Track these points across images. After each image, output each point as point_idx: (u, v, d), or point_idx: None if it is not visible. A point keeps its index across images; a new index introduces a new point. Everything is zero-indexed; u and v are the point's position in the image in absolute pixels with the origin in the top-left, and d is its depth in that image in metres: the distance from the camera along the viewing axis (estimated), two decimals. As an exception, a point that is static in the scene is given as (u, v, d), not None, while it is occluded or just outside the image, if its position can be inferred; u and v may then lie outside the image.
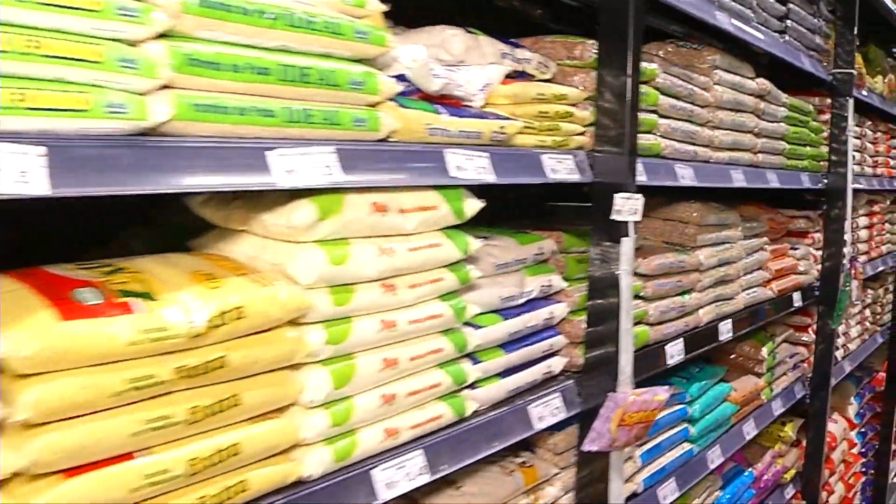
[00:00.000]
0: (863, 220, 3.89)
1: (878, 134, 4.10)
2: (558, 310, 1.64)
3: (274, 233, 1.15)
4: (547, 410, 1.56)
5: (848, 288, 3.05)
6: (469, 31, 1.47)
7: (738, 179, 2.31)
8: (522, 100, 1.50)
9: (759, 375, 2.78)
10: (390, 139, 1.23)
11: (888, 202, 4.29)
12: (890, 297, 4.49)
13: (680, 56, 2.22)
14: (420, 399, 1.31)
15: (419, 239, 1.28)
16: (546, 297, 1.65)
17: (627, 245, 1.56)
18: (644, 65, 1.88)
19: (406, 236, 1.26)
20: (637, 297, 1.94)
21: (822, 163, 3.15)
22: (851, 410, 4.20)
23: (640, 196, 1.58)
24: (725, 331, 2.37)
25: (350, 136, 1.16)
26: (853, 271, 3.05)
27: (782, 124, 2.69)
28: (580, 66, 1.67)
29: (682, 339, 2.10)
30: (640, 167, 1.75)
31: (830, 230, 3.13)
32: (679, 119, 2.05)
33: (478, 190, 1.36)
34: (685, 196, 2.36)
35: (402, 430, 1.28)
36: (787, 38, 2.69)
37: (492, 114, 1.43)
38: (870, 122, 3.92)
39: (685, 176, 2.01)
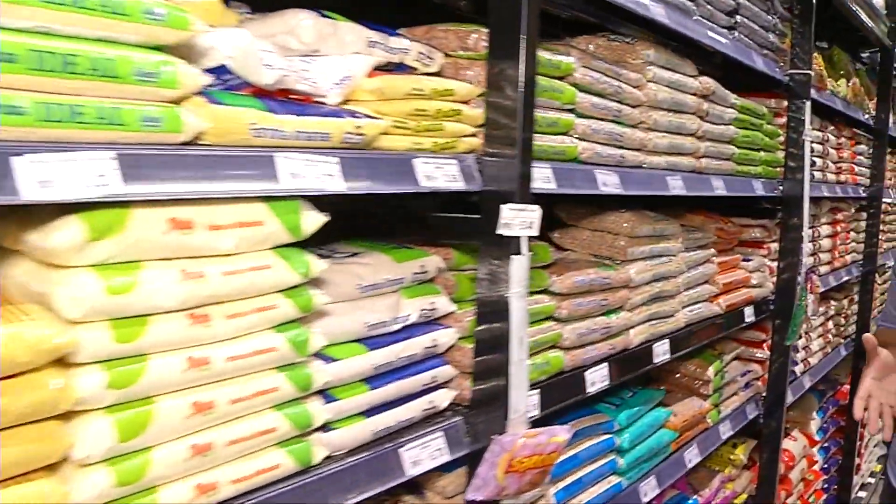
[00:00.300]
0: (825, 229, 3.71)
1: (843, 139, 3.93)
2: (444, 336, 1.43)
3: (40, 255, 0.94)
4: (425, 453, 1.35)
5: (803, 302, 2.85)
6: (325, 16, 1.26)
7: (677, 187, 2.11)
8: (392, 95, 1.29)
9: (704, 397, 2.58)
10: (200, 142, 1.02)
11: (853, 210, 4.11)
12: (855, 307, 4.31)
13: (611, 50, 2.02)
14: (247, 447, 1.10)
15: (241, 260, 1.07)
16: (430, 322, 1.44)
17: (519, 264, 1.35)
18: (560, 58, 1.67)
19: (223, 258, 1.05)
20: (550, 318, 1.73)
21: (778, 169, 2.96)
22: (814, 426, 4.02)
23: (535, 208, 1.37)
24: (662, 352, 2.17)
25: (139, 139, 0.94)
26: (809, 284, 2.86)
27: (731, 127, 2.49)
28: (475, 57, 1.46)
29: (606, 364, 1.90)
30: (546, 172, 1.55)
31: (787, 240, 2.94)
32: (603, 119, 1.84)
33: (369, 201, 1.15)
34: (638, 205, 2.16)
35: (222, 486, 1.07)
36: (736, 35, 2.49)
37: (348, 112, 1.21)
38: (833, 127, 3.74)
39: (608, 183, 1.80)
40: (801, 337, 3.37)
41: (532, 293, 1.68)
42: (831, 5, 3.42)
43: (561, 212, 2.17)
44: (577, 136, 1.74)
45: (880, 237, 4.41)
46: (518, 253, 1.35)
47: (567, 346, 1.76)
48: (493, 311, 1.38)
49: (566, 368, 1.76)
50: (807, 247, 2.92)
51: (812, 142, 3.37)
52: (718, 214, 2.74)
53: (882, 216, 4.42)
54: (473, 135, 1.42)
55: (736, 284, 2.68)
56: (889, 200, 4.60)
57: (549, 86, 1.62)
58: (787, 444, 3.52)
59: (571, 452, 1.88)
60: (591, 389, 1.83)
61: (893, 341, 2.20)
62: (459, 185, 1.33)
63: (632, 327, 2.05)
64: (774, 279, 2.98)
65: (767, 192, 2.81)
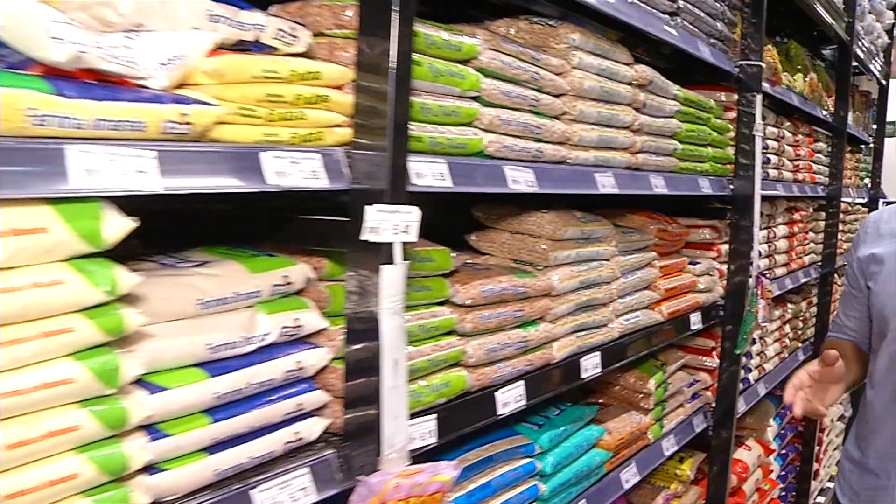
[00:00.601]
0: (782, 229, 3.56)
1: (800, 136, 3.78)
2: (312, 357, 1.24)
3: None
4: (284, 494, 1.16)
5: (754, 308, 2.69)
6: (152, -17, 1.06)
7: (607, 185, 1.93)
8: (235, 78, 1.10)
9: (645, 411, 2.41)
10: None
11: (811, 209, 3.97)
12: (814, 310, 4.17)
13: (532, 34, 1.84)
14: (36, 500, 0.90)
15: (20, 275, 0.87)
16: (295, 341, 1.25)
17: (391, 275, 1.16)
18: (461, 39, 1.49)
19: (-10, 272, 0.85)
20: (451, 333, 1.55)
21: (728, 166, 2.80)
22: (770, 433, 3.87)
23: (410, 209, 1.18)
24: (591, 366, 2.00)
25: None
26: (760, 289, 2.70)
27: (673, 120, 2.32)
28: (351, 36, 1.27)
29: (523, 382, 1.72)
30: (441, 168, 1.37)
31: (737, 242, 2.78)
32: (516, 109, 1.66)
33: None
34: (576, 205, 1.99)
35: (1, 552, 0.87)
36: (679, 21, 2.31)
37: (174, 97, 1.02)
38: (789, 123, 3.59)
39: (519, 180, 1.62)
40: (754, 343, 3.22)
41: (430, 305, 1.50)
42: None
43: (478, 212, 1.98)
44: (482, 127, 1.56)
45: (839, 237, 4.28)
46: (390, 262, 1.16)
47: (472, 364, 1.57)
48: (363, 328, 1.19)
49: (471, 389, 1.57)
50: (758, 249, 2.76)
51: (766, 138, 3.23)
52: (664, 215, 2.58)
53: (842, 216, 4.29)
54: (345, 125, 1.23)
55: (681, 290, 2.52)
56: (849, 200, 4.48)
57: (446, 70, 1.43)
58: (740, 454, 3.37)
59: (483, 480, 1.70)
60: (504, 411, 1.65)
61: (845, 353, 2.04)
62: (321, 182, 1.14)
63: (555, 340, 1.87)
64: (725, 283, 2.82)
65: (716, 190, 2.65)
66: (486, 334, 1.62)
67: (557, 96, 1.82)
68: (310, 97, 1.17)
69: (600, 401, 2.44)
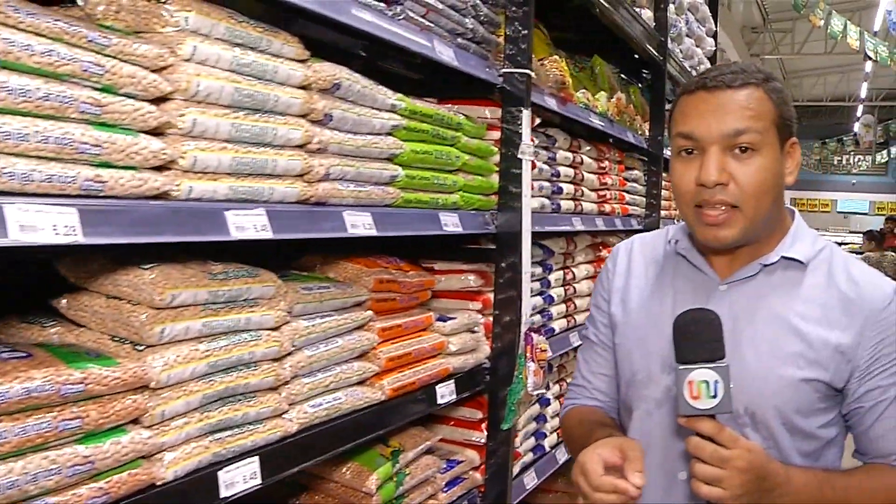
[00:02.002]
0: (584, 269, 3.10)
1: (607, 163, 3.35)
2: None
3: None
4: None
5: (522, 373, 2.17)
6: None
7: (244, 228, 1.35)
8: None
9: (366, 517, 1.83)
10: None
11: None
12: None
13: (136, 14, 1.26)
14: None
15: None
16: None
17: None
18: None
19: None
20: None
21: (493, 196, 2.28)
22: None
23: None
24: (238, 481, 1.39)
25: None
26: (529, 349, 2.18)
27: (390, 139, 1.77)
28: None
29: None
30: None
31: (503, 290, 2.26)
32: (46, 117, 1.05)
33: None
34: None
35: None
36: (399, 10, 1.77)
37: None
38: (589, 147, 3.14)
39: (39, 225, 1.01)
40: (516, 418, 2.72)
41: None
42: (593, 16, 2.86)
43: (66, 267, 1.36)
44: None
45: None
46: None
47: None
48: None
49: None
50: (528, 298, 2.24)
51: (559, 164, 2.76)
52: (406, 260, 2.03)
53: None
54: None
55: (419, 355, 1.96)
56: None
57: None
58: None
59: None
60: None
61: (598, 419, 1.60)
62: None
63: (163, 451, 1.27)
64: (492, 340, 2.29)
65: (470, 227, 2.12)
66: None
67: (157, 101, 1.23)
68: None
69: (302, 500, 1.86)
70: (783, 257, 1.47)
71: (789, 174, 1.45)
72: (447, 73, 2.06)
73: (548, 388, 2.83)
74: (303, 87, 1.51)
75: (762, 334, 1.43)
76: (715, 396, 1.24)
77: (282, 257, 1.85)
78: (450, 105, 2.26)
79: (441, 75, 2.11)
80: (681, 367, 1.26)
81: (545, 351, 2.23)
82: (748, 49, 17.81)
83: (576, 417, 1.64)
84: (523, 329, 2.20)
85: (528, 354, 2.17)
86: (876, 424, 1.44)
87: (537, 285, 2.74)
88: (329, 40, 1.80)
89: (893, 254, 10.25)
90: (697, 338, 1.27)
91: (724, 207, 1.37)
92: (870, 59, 11.22)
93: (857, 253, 10.50)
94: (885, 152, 20.85)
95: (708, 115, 1.37)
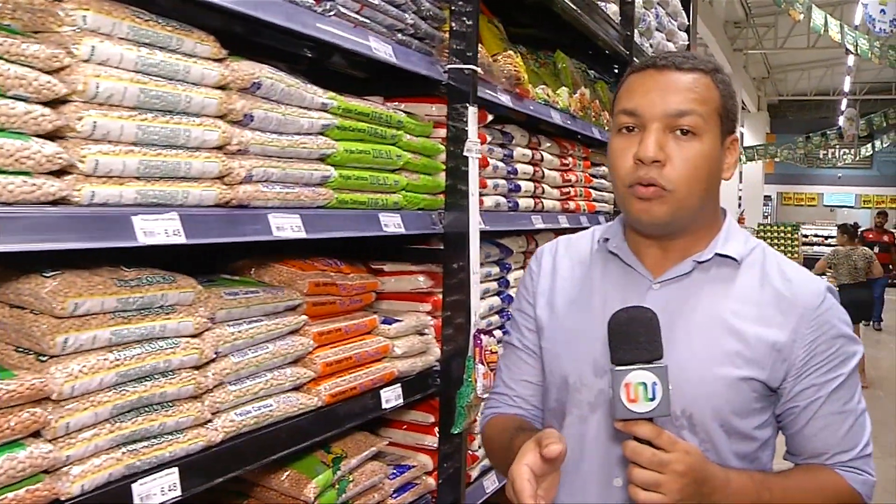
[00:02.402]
0: (545, 267, 3.05)
1: (570, 159, 3.31)
2: None
3: None
4: None
5: (470, 376, 2.13)
6: None
7: (153, 233, 1.31)
8: None
9: (305, 526, 1.79)
10: None
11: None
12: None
13: (33, 13, 1.22)
14: None
15: None
16: None
17: None
18: None
19: None
20: None
21: (441, 196, 2.25)
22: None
23: None
24: (155, 493, 1.35)
25: None
26: (478, 351, 2.14)
27: (321, 138, 1.73)
28: None
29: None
30: None
31: (451, 291, 2.22)
32: None
33: None
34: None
35: None
36: (328, 7, 1.73)
37: None
38: (550, 144, 3.10)
39: None
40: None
41: None
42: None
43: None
44: None
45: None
46: None
47: None
48: None
49: None
50: (477, 299, 2.21)
51: (517, 161, 2.72)
52: (346, 261, 1.99)
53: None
54: None
55: (360, 360, 1.92)
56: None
57: None
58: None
59: None
60: None
61: (517, 425, 1.53)
62: None
63: (70, 465, 1.23)
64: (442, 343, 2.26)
65: (414, 228, 2.08)
66: None
67: (56, 103, 1.19)
68: None
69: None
70: (717, 254, 1.44)
71: (727, 169, 1.44)
72: (393, 70, 2.02)
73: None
74: (220, 87, 1.46)
75: (698, 334, 1.40)
76: (653, 399, 1.20)
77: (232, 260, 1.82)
78: (397, 103, 2.22)
79: (388, 73, 2.07)
80: (617, 368, 1.20)
81: (495, 353, 2.19)
82: (731, 44, 17.83)
83: (496, 427, 1.58)
84: (472, 331, 2.16)
85: (477, 357, 2.12)
86: (810, 423, 1.42)
87: (495, 285, 2.70)
88: (268, 42, 1.77)
89: (865, 248, 10.27)
90: (634, 338, 1.22)
91: (656, 188, 1.35)
92: (850, 52, 11.23)
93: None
94: (869, 145, 20.89)
95: (653, 93, 1.36)
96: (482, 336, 2.16)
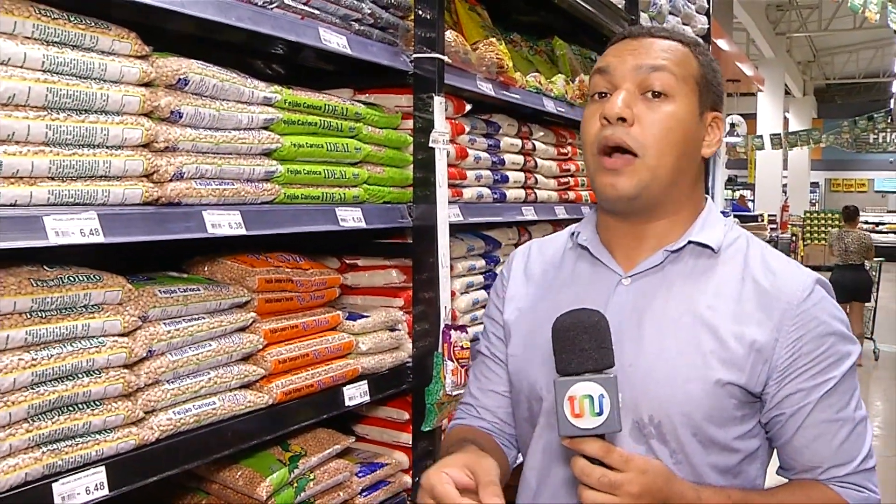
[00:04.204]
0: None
1: (570, 148, 3.24)
2: None
3: None
4: None
5: (439, 371, 2.10)
6: None
7: (67, 232, 1.30)
8: None
9: (260, 526, 1.77)
10: None
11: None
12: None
13: None
14: None
15: None
16: None
17: None
18: None
19: None
20: None
21: (408, 189, 2.21)
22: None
23: None
24: (79, 492, 1.35)
25: None
26: (446, 347, 2.10)
27: (264, 133, 1.71)
28: None
29: None
30: None
31: (420, 286, 2.18)
32: None
33: None
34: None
35: None
36: None
37: None
38: (544, 132, 3.04)
39: None
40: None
41: None
42: None
43: None
44: None
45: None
46: None
47: None
48: None
49: None
50: (446, 294, 2.17)
51: (505, 152, 2.68)
52: (306, 257, 1.97)
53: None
54: None
55: (322, 356, 1.90)
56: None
57: None
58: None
59: None
60: None
61: (465, 436, 1.46)
62: None
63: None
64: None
65: (381, 222, 2.05)
66: None
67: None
68: None
69: (203, 508, 1.81)
70: (691, 242, 1.34)
71: (707, 146, 1.36)
72: (359, 63, 2.00)
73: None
74: (144, 85, 1.45)
75: (669, 331, 1.29)
76: (600, 413, 1.08)
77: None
78: (367, 94, 2.20)
79: (356, 66, 2.05)
80: (559, 378, 1.10)
81: (466, 349, 2.14)
82: (773, 28, 17.39)
83: (452, 438, 1.49)
84: (441, 326, 2.12)
85: (446, 353, 2.09)
86: (799, 433, 1.28)
87: (481, 278, 2.66)
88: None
89: (863, 232, 9.99)
90: (578, 344, 1.11)
91: (623, 154, 1.27)
92: (892, 29, 10.85)
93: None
94: (921, 127, 20.21)
95: (626, 53, 1.32)
96: (451, 332, 2.12)
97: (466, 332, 2.18)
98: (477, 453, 1.26)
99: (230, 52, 1.86)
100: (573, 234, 1.48)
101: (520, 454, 1.55)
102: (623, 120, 1.27)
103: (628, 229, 1.37)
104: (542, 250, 1.54)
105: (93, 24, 1.36)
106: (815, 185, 25.23)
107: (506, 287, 1.53)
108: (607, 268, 1.39)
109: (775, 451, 1.37)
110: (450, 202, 2.20)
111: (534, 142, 2.97)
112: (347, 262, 2.27)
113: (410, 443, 2.25)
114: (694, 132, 1.32)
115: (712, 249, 1.33)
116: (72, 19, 1.33)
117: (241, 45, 1.93)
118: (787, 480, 1.35)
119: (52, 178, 1.31)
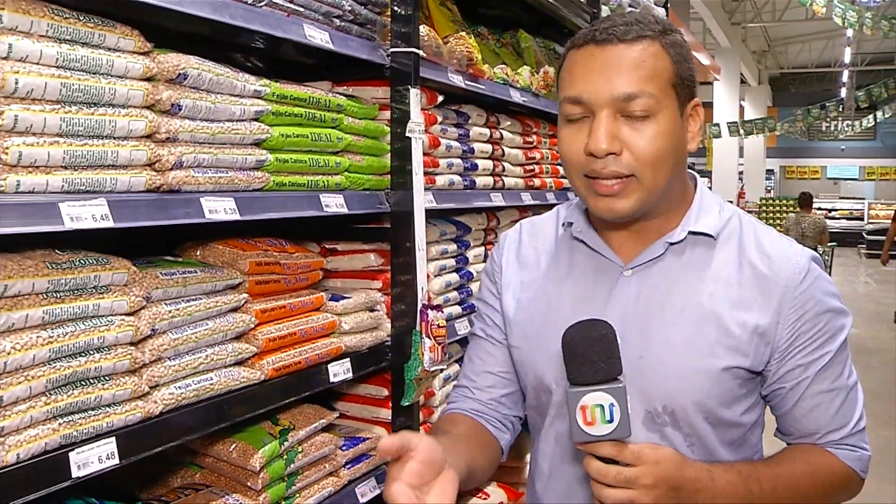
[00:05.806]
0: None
1: (533, 136, 3.38)
2: None
3: None
4: None
5: (418, 349, 2.22)
6: None
7: (80, 218, 1.40)
8: None
9: (254, 494, 1.89)
10: None
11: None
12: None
13: None
14: None
15: None
16: None
17: None
18: None
19: None
20: None
21: (385, 176, 2.33)
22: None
23: None
24: (92, 461, 1.45)
25: None
26: (424, 325, 2.23)
27: (255, 124, 1.81)
28: None
29: None
30: None
31: (398, 269, 2.31)
32: None
33: None
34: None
35: None
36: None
37: None
38: (511, 122, 3.17)
39: None
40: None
41: None
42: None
43: None
44: None
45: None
46: None
47: None
48: None
49: None
50: (423, 275, 2.29)
51: (475, 140, 2.80)
52: (292, 241, 2.08)
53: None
54: None
55: (305, 336, 2.01)
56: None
57: None
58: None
59: None
60: None
61: (446, 429, 1.51)
62: None
63: (5, 435, 1.32)
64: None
65: (362, 208, 2.17)
66: None
67: (-23, 98, 1.28)
68: None
69: (197, 478, 1.92)
70: (691, 232, 1.36)
71: (691, 139, 1.33)
72: (338, 56, 2.10)
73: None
74: (147, 79, 1.54)
75: (675, 324, 1.33)
76: (611, 421, 1.13)
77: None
78: (345, 87, 2.30)
79: (335, 59, 2.15)
80: (572, 389, 1.15)
81: (443, 327, 2.27)
82: (729, 18, 17.74)
83: (441, 427, 1.52)
84: (419, 306, 2.24)
85: (423, 331, 2.21)
86: (798, 404, 1.37)
87: (452, 262, 2.78)
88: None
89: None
90: (588, 357, 1.14)
91: (617, 179, 1.26)
92: (838, 23, 11.19)
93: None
94: (871, 117, 20.79)
95: (595, 75, 1.24)
96: (429, 311, 2.24)
97: (442, 312, 2.31)
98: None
99: (212, 47, 1.95)
100: (564, 223, 1.50)
101: (512, 437, 1.62)
102: (612, 153, 1.24)
103: (626, 227, 1.39)
104: (533, 236, 1.57)
105: (100, 22, 1.46)
106: (770, 172, 25.82)
107: (501, 274, 1.57)
108: (607, 259, 1.42)
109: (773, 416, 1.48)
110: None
111: (501, 131, 3.10)
112: (327, 246, 2.38)
113: (390, 418, 2.37)
114: (680, 136, 1.30)
115: (711, 237, 1.36)
116: (81, 18, 1.42)
117: (225, 40, 2.02)
118: (784, 444, 1.46)
119: (66, 167, 1.40)
